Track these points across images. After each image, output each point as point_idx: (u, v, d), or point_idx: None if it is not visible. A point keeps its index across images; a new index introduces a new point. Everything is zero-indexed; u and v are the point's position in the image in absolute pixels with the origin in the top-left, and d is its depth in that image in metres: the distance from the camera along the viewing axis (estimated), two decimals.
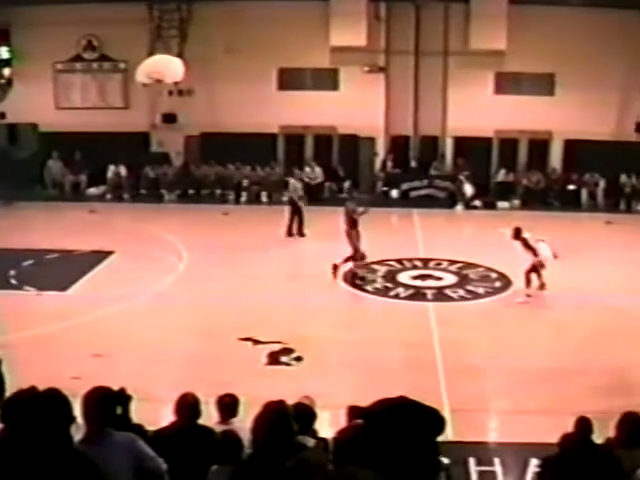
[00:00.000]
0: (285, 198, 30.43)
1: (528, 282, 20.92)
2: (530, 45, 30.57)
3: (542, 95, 32.18)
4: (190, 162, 33.50)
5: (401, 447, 4.24)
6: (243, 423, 8.44)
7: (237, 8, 30.95)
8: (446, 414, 13.65)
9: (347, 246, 22.05)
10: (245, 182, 32.66)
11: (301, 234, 26.70)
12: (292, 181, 28.40)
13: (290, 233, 26.65)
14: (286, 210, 27.13)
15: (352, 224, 22.33)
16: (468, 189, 31.32)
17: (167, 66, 29.56)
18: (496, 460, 12.92)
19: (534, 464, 11.75)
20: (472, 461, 12.77)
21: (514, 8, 30.37)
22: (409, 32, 31.87)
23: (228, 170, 32.97)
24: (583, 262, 23.29)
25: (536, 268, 20.86)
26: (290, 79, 32.92)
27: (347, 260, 22.08)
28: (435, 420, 4.45)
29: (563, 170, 32.70)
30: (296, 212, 26.87)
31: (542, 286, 20.93)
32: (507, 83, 32.48)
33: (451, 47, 31.79)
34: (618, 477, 7.42)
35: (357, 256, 22.11)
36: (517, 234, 20.93)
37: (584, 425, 8.82)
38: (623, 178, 32.01)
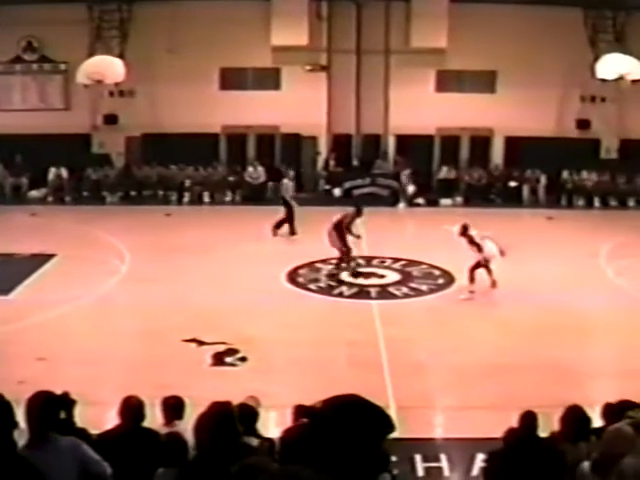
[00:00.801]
0: (228, 198, 30.45)
1: (472, 279, 21.00)
2: (471, 43, 30.75)
3: (483, 92, 32.41)
4: (132, 163, 33.26)
5: (348, 446, 4.22)
6: (188, 425, 8.38)
7: (178, 8, 30.78)
8: (392, 411, 13.79)
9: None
10: (188, 183, 32.50)
11: (292, 232, 26.75)
12: (285, 180, 28.36)
13: (293, 232, 26.68)
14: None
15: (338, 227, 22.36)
16: (410, 187, 31.44)
17: (108, 67, 29.41)
18: (442, 456, 12.96)
19: (480, 459, 11.82)
20: (418, 458, 12.81)
21: (455, 6, 30.55)
22: (351, 31, 31.93)
23: (170, 171, 32.80)
24: (525, 258, 23.45)
25: (481, 265, 20.97)
26: (232, 79, 32.82)
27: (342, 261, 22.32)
28: (385, 420, 4.44)
29: (505, 167, 32.97)
30: (287, 212, 26.87)
31: (493, 284, 21.04)
32: (448, 81, 32.66)
33: (392, 45, 31.90)
34: (562, 470, 7.47)
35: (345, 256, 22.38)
36: (464, 231, 21.02)
37: (529, 420, 8.88)
38: (564, 174, 32.33)
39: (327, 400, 4.43)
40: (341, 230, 22.30)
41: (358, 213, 22.93)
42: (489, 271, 20.99)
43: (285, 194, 27.34)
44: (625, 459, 6.37)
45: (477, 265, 20.96)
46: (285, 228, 26.52)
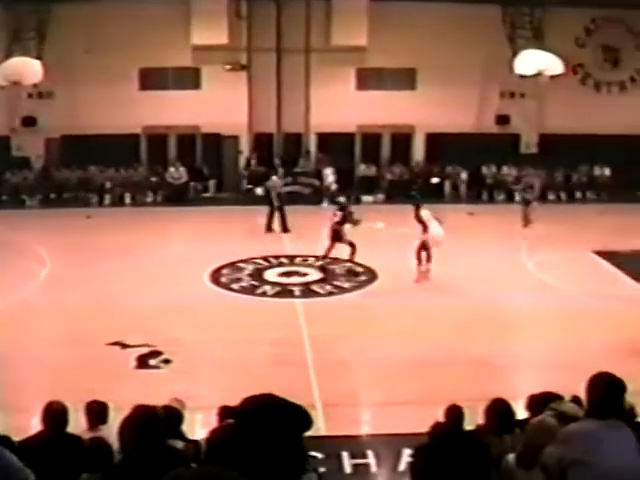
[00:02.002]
0: (150, 199, 30.22)
1: (419, 261, 21.23)
2: (391, 41, 30.90)
3: (403, 90, 32.60)
4: (51, 165, 32.84)
5: (268, 445, 4.21)
6: (112, 429, 8.29)
7: (96, 8, 30.43)
8: (318, 409, 13.81)
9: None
10: (108, 184, 32.19)
11: (285, 229, 27.11)
12: (274, 178, 28.41)
13: (269, 228, 27.07)
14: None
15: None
16: (332, 185, 31.50)
17: (26, 68, 29.00)
18: (369, 452, 13.00)
19: (407, 454, 11.87)
20: (345, 455, 12.83)
21: (375, 4, 30.66)
22: (271, 30, 31.87)
23: (90, 172, 32.46)
24: (447, 254, 23.62)
25: (425, 247, 21.21)
26: (152, 79, 32.57)
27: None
28: (301, 417, 4.43)
29: (426, 163, 33.20)
30: (276, 208, 27.06)
31: (425, 272, 21.56)
32: (369, 79, 32.78)
33: (313, 44, 31.92)
34: (488, 463, 7.51)
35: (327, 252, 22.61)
36: (416, 210, 21.56)
37: (454, 413, 8.93)
38: (484, 169, 32.64)
39: (243, 401, 4.42)
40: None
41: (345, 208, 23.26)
42: (429, 258, 21.22)
43: (272, 191, 27.43)
44: (546, 449, 6.44)
45: (422, 246, 21.16)
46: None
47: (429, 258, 21.58)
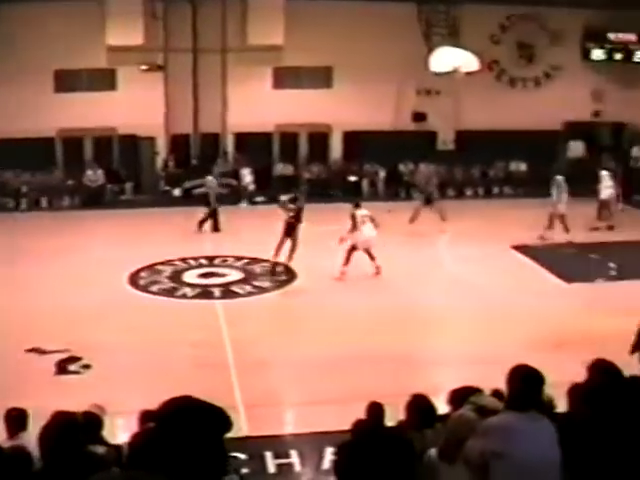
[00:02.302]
0: (67, 203, 29.89)
1: (347, 260, 21.47)
2: (307, 39, 30.91)
3: (320, 88, 32.65)
4: None
5: (189, 448, 4.19)
6: (32, 436, 8.17)
7: (9, 9, 29.92)
8: (240, 410, 13.76)
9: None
10: (24, 188, 31.71)
11: (216, 229, 27.07)
12: (209, 178, 28.18)
13: (201, 228, 26.91)
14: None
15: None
16: (250, 185, 31.44)
17: None
18: (293, 452, 13.02)
19: (330, 452, 11.91)
20: (269, 455, 12.84)
21: (290, 3, 30.65)
22: (187, 30, 31.65)
23: (5, 177, 31.94)
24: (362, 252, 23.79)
25: (356, 248, 21.47)
26: (67, 81, 32.09)
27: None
28: (220, 419, 4.42)
29: (344, 161, 33.28)
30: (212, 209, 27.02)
31: (377, 270, 21.89)
32: (286, 77, 32.76)
33: (229, 43, 31.79)
34: (410, 459, 7.55)
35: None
36: (354, 208, 21.96)
37: (375, 410, 8.98)
38: (402, 167, 32.83)
39: (162, 404, 4.39)
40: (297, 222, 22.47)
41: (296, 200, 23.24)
42: (371, 257, 21.77)
43: (210, 191, 27.47)
44: (468, 442, 6.50)
45: (353, 246, 21.40)
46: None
47: (372, 257, 21.72)
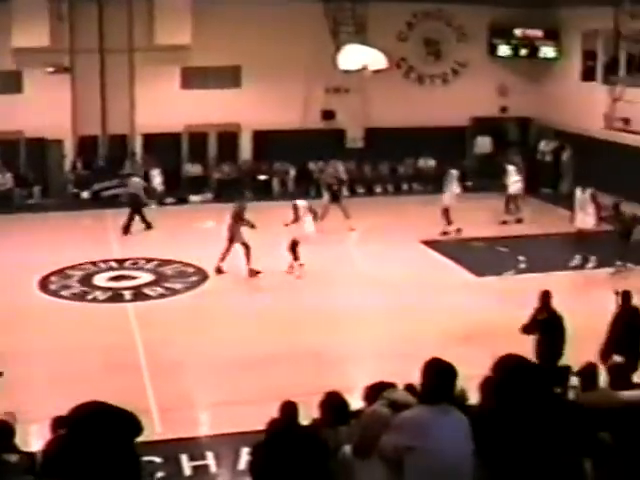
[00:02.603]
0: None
1: (295, 257, 21.84)
2: (215, 39, 30.75)
3: (229, 88, 32.48)
4: None
5: (100, 453, 4.13)
6: None
7: None
8: (154, 413, 13.64)
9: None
10: None
11: (148, 227, 27.04)
12: (135, 179, 28.14)
13: (126, 231, 26.67)
14: None
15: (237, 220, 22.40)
16: (159, 185, 31.20)
17: None
18: (209, 453, 13.00)
19: (246, 453, 11.88)
20: (184, 457, 12.80)
21: (198, 3, 30.46)
22: (93, 30, 31.21)
23: None
24: (279, 251, 23.76)
25: (297, 242, 21.60)
26: None
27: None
28: (130, 422, 4.36)
29: (254, 161, 33.19)
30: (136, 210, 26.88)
31: (291, 267, 22.04)
32: (194, 77, 32.52)
33: (136, 44, 31.45)
34: (324, 456, 7.57)
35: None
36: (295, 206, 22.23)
37: (289, 409, 8.95)
38: (312, 165, 32.87)
39: (72, 410, 4.33)
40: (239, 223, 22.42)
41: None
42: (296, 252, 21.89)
43: (132, 191, 27.43)
44: (382, 438, 6.52)
45: (294, 242, 21.75)
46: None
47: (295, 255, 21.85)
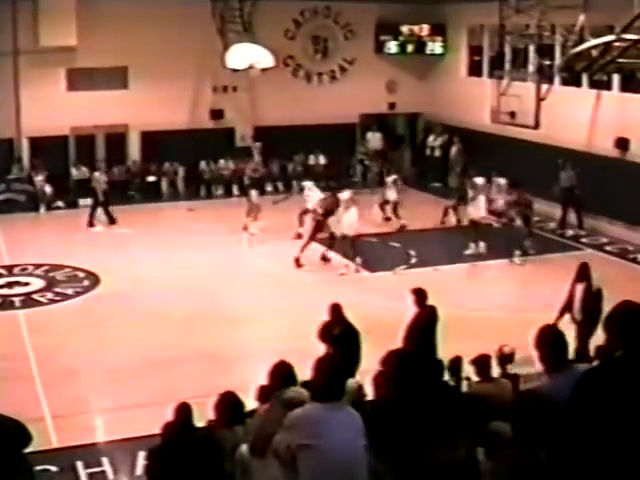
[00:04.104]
0: None
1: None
2: (101, 40, 30.34)
3: (116, 89, 32.11)
4: None
5: None
6: None
7: None
8: (48, 422, 13.42)
9: None
10: None
11: (112, 222, 27.56)
12: (97, 174, 28.48)
13: (91, 224, 27.32)
14: None
15: None
16: (48, 189, 30.68)
17: None
18: (105, 460, 12.86)
19: (143, 457, 11.79)
20: (80, 465, 12.65)
21: (83, 4, 30.01)
22: None
23: None
24: (170, 252, 23.68)
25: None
26: None
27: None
28: (18, 432, 4.27)
29: (143, 162, 32.86)
30: (100, 204, 27.63)
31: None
32: (80, 79, 32.04)
33: (21, 45, 30.82)
34: (220, 457, 7.55)
35: None
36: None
37: (183, 411, 8.90)
38: (202, 165, 32.71)
39: None
40: None
41: None
42: None
43: (97, 186, 27.82)
44: (275, 436, 6.52)
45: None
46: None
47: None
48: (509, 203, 24.65)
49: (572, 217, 27.01)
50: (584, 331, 14.85)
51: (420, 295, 14.52)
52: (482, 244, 23.76)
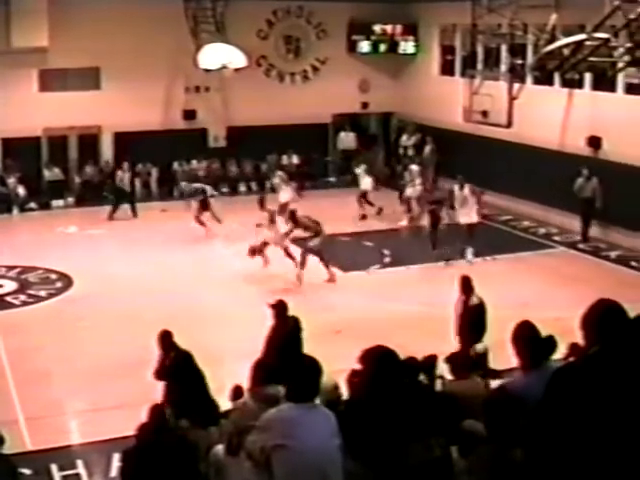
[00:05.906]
0: None
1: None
2: (73, 41, 30.22)
3: (88, 90, 31.99)
4: None
5: None
6: None
7: None
8: (21, 424, 13.39)
9: None
10: None
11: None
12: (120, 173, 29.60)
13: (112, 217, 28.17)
14: None
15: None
16: (20, 191, 30.52)
17: None
18: (79, 462, 12.84)
19: (117, 459, 11.76)
20: (54, 467, 12.64)
21: (54, 4, 29.88)
22: None
23: None
24: (146, 252, 23.64)
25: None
26: None
27: None
28: None
29: (116, 163, 32.74)
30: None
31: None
32: (52, 80, 31.91)
33: None
34: (194, 459, 7.56)
35: None
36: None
37: (156, 412, 8.88)
38: (175, 165, 32.67)
39: None
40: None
41: None
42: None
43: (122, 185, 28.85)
44: (249, 437, 6.53)
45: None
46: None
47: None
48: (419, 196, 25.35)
49: (576, 225, 26.28)
50: (464, 345, 14.46)
51: (280, 308, 14.02)
52: (470, 249, 23.46)
